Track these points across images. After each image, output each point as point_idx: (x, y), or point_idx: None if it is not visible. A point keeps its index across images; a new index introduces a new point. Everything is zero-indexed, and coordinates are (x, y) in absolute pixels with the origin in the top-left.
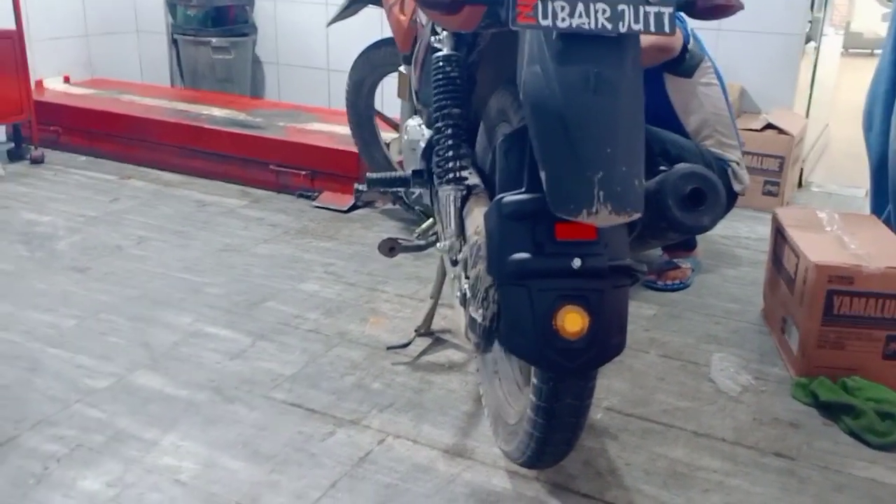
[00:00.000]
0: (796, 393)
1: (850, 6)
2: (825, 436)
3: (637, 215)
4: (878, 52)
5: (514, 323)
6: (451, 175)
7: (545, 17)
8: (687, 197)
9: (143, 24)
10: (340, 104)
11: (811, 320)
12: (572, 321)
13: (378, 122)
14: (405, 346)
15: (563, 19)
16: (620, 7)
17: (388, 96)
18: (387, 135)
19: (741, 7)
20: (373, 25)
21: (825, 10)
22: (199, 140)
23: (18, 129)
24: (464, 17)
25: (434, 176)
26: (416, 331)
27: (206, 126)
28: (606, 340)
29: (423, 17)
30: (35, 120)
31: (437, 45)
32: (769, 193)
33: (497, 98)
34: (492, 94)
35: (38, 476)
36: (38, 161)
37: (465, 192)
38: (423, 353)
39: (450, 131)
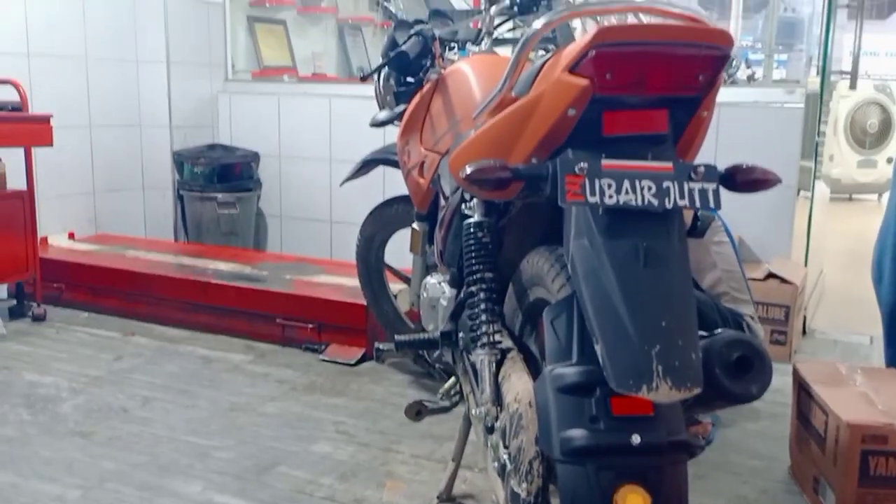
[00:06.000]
0: None
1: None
2: None
3: (697, 390)
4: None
5: (571, 503)
6: (485, 339)
7: (593, 194)
8: (733, 364)
9: (149, 180)
10: (343, 255)
11: (847, 482)
12: (633, 502)
13: (387, 274)
14: None
15: (611, 196)
16: (665, 184)
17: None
18: (395, 286)
19: (779, 181)
20: (376, 182)
21: (815, 160)
22: (204, 295)
23: (21, 286)
24: (506, 190)
25: (461, 338)
26: (437, 497)
27: (212, 281)
28: None
29: (446, 183)
30: (39, 278)
31: (467, 211)
32: (777, 342)
33: (530, 263)
34: (518, 255)
35: None
36: (39, 318)
37: (499, 357)
38: None
39: (483, 295)
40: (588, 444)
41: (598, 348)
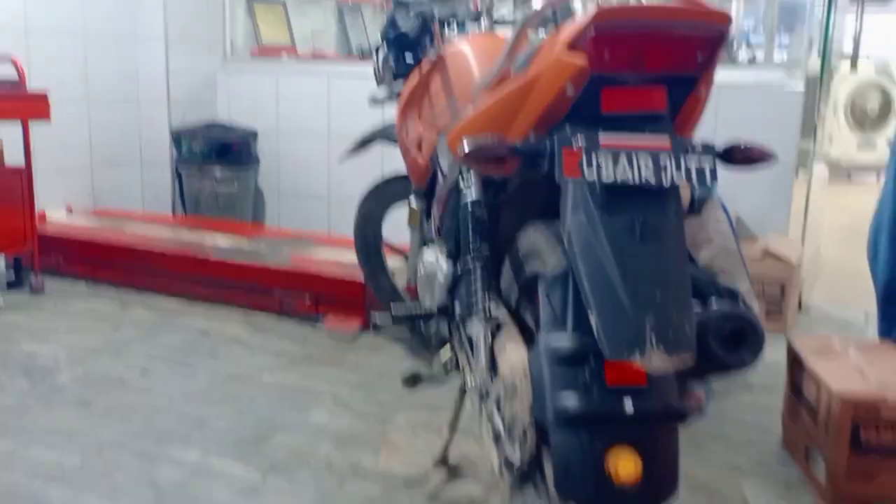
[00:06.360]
0: None
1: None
2: None
3: (690, 360)
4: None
5: (565, 468)
6: (481, 311)
7: (590, 169)
8: (728, 336)
9: (147, 156)
10: (340, 231)
11: (838, 451)
12: (626, 467)
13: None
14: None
15: (608, 172)
16: (662, 160)
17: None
18: (392, 261)
19: (775, 157)
20: (374, 158)
21: (814, 140)
22: (203, 269)
23: (20, 260)
24: (504, 166)
25: (457, 311)
26: (433, 464)
27: (211, 257)
28: (660, 485)
29: (444, 160)
30: (37, 251)
31: (464, 187)
32: (772, 318)
33: (527, 237)
34: (515, 230)
35: None
36: (38, 290)
37: (495, 328)
38: (442, 486)
39: (479, 268)
40: (581, 412)
41: (592, 319)
